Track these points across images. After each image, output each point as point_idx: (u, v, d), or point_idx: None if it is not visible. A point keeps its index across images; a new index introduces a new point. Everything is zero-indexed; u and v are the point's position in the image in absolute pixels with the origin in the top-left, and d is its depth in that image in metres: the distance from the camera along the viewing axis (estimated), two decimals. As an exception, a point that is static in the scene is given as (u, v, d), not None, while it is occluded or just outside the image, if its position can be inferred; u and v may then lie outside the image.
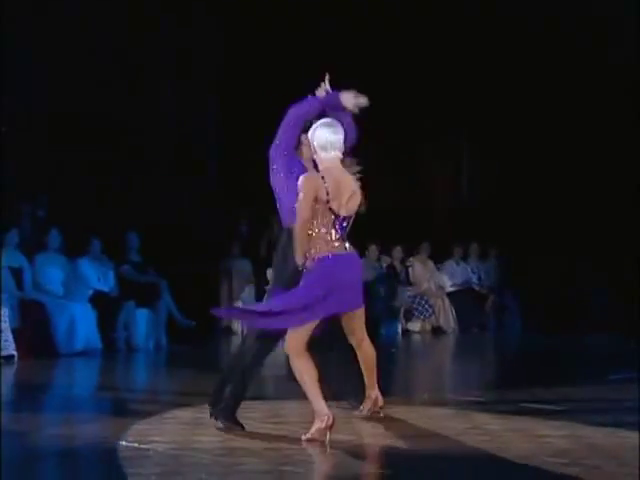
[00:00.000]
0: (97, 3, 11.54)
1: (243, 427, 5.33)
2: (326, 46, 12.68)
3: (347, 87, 5.61)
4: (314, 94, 5.58)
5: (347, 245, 5.35)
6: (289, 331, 5.20)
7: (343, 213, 5.27)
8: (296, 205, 5.21)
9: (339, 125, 5.39)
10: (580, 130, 13.51)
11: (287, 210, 5.41)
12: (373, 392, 5.75)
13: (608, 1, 12.49)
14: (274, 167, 5.50)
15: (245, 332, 5.56)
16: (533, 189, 14.02)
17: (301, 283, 5.23)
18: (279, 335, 5.40)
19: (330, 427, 5.02)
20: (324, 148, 5.34)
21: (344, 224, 5.32)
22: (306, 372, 5.12)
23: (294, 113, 5.49)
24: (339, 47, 12.78)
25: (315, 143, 5.35)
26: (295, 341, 5.17)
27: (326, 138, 5.32)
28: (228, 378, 5.45)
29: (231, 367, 5.54)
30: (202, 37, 12.57)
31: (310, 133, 5.41)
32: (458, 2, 13.19)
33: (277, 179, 5.50)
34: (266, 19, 12.61)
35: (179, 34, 12.39)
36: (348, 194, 5.28)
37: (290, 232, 5.36)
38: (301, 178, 5.26)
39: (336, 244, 5.27)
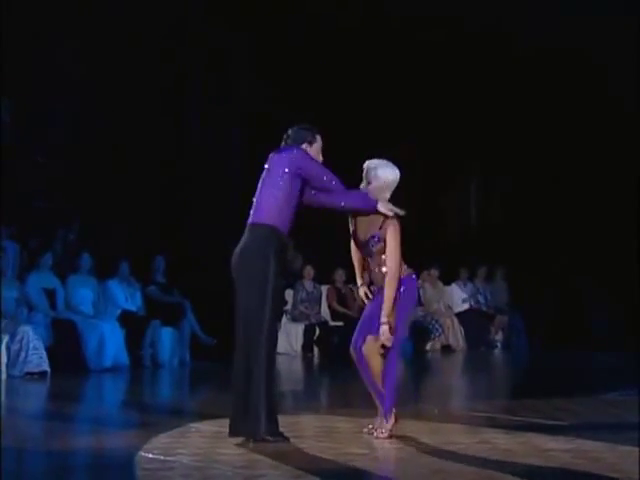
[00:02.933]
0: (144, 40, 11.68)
1: (289, 439, 5.34)
2: (347, 81, 12.76)
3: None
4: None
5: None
6: (373, 336, 5.46)
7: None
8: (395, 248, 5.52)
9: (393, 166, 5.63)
10: (584, 154, 13.50)
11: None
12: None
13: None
14: (287, 171, 5.36)
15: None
16: (538, 212, 14.03)
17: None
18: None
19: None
20: (390, 189, 5.60)
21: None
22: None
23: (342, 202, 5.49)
24: (361, 82, 12.85)
25: (387, 183, 5.57)
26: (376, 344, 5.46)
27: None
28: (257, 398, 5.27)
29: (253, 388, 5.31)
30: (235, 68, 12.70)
31: (381, 172, 5.56)
32: (469, 39, 13.25)
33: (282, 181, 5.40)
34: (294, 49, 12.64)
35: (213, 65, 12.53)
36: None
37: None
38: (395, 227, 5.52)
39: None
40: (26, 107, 10.89)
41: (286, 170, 5.38)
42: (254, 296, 5.31)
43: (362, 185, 5.64)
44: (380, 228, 5.55)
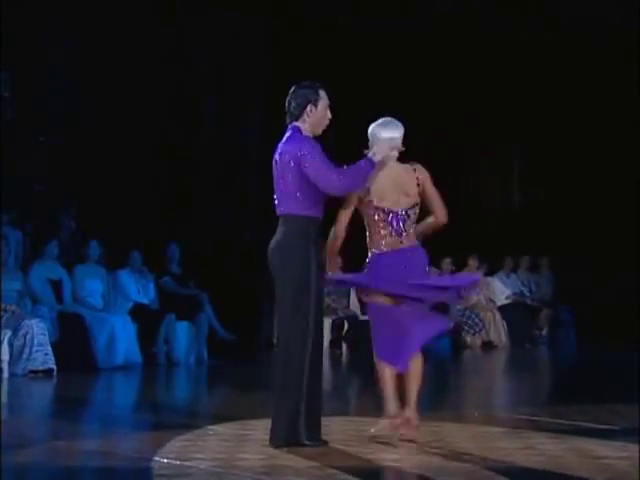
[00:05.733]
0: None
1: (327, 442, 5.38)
2: (373, 58, 12.73)
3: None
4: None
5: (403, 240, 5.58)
6: None
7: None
8: None
9: (395, 123, 5.59)
10: (634, 136, 13.39)
11: None
12: (407, 411, 5.52)
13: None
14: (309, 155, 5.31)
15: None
16: (584, 199, 13.94)
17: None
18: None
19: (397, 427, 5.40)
20: (396, 148, 5.56)
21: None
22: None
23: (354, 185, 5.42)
24: (386, 58, 12.83)
25: (371, 141, 5.56)
26: None
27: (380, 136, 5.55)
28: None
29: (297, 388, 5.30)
30: (250, 55, 12.76)
31: (369, 131, 5.59)
32: (508, 21, 13.26)
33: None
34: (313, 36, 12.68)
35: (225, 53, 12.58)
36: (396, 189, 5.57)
37: None
38: None
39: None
40: (27, 82, 10.94)
41: (292, 164, 5.31)
42: (297, 294, 5.29)
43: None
44: (417, 185, 5.58)
